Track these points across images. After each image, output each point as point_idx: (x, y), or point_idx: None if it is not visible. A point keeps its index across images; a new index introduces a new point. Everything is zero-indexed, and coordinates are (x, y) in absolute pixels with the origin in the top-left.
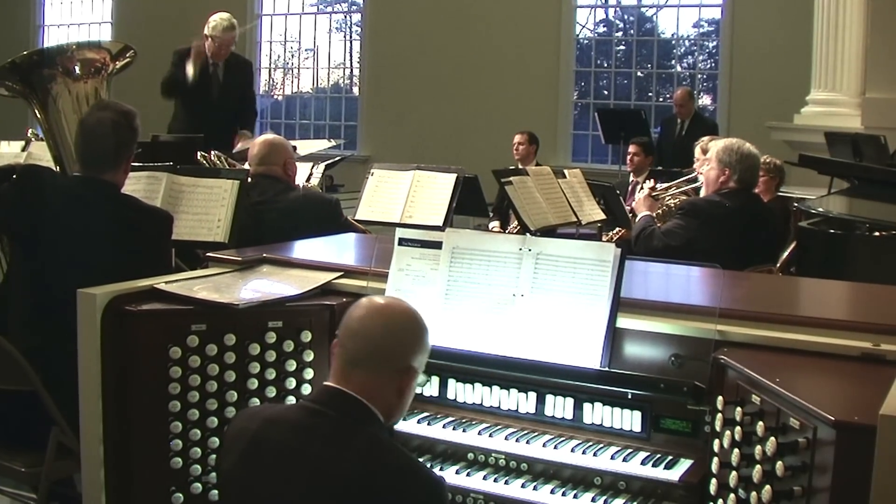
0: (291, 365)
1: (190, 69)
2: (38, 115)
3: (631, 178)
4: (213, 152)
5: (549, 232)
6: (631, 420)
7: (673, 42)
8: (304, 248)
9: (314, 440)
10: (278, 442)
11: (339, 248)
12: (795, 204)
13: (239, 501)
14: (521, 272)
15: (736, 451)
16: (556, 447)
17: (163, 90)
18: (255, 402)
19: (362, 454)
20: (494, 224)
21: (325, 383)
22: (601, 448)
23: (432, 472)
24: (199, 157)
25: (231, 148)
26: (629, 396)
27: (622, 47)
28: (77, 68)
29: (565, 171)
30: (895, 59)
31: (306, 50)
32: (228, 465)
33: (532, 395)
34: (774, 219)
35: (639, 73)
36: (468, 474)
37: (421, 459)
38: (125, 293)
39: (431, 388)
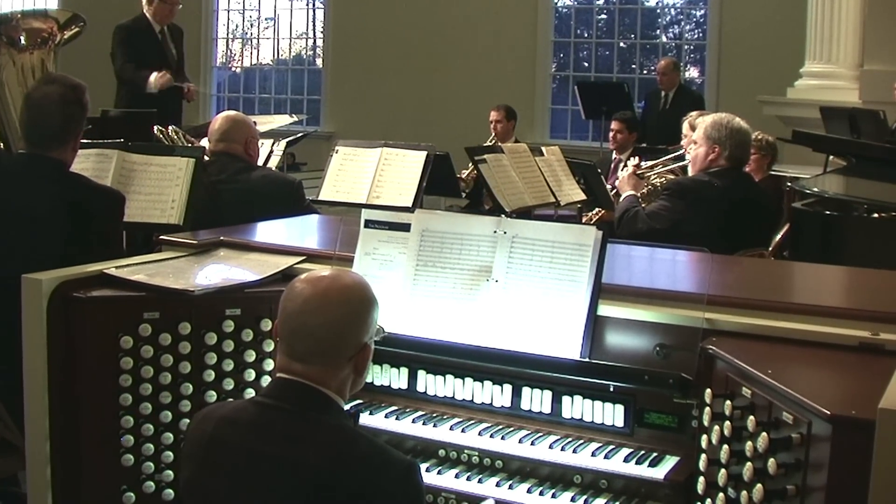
0: (250, 355)
1: (152, 86)
2: None
3: (614, 156)
4: (170, 127)
5: (525, 213)
6: (613, 414)
7: (658, 10)
8: (264, 231)
9: (274, 439)
10: (237, 444)
11: (302, 231)
12: (789, 183)
13: None
14: (496, 256)
15: (725, 447)
16: (533, 443)
17: (122, 82)
18: (212, 394)
19: (326, 448)
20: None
21: (277, 375)
22: (581, 444)
23: (402, 455)
24: (155, 132)
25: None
26: (611, 389)
27: (604, 16)
28: (22, 38)
29: (543, 149)
30: (895, 28)
31: (266, 19)
32: (188, 474)
33: (507, 388)
34: (766, 199)
35: (621, 44)
36: (439, 472)
37: None
38: (73, 278)
39: (400, 381)
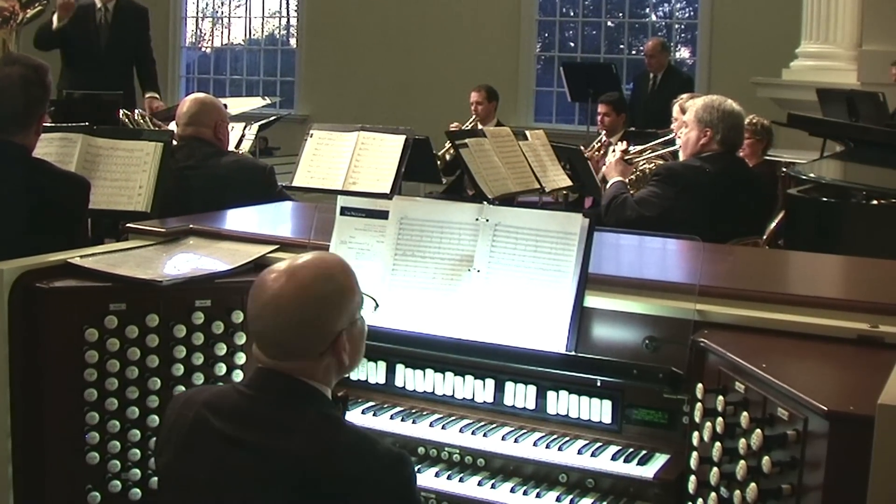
0: (221, 349)
1: (55, 19)
2: None
3: (603, 139)
4: (136, 111)
5: (508, 200)
6: (600, 410)
7: None
8: (235, 219)
9: (258, 427)
10: (219, 431)
11: (275, 219)
12: (784, 169)
13: (182, 499)
14: (478, 245)
15: (717, 444)
16: (516, 440)
17: (35, 42)
18: (181, 389)
19: (311, 437)
20: None
21: (258, 366)
22: (567, 441)
23: (390, 447)
24: (121, 116)
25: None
26: (598, 384)
27: None
28: None
29: (527, 133)
30: (894, 7)
31: None
32: (167, 460)
33: (490, 383)
34: (761, 185)
35: (609, 23)
36: (419, 471)
37: None
38: (36, 268)
39: (377, 375)
